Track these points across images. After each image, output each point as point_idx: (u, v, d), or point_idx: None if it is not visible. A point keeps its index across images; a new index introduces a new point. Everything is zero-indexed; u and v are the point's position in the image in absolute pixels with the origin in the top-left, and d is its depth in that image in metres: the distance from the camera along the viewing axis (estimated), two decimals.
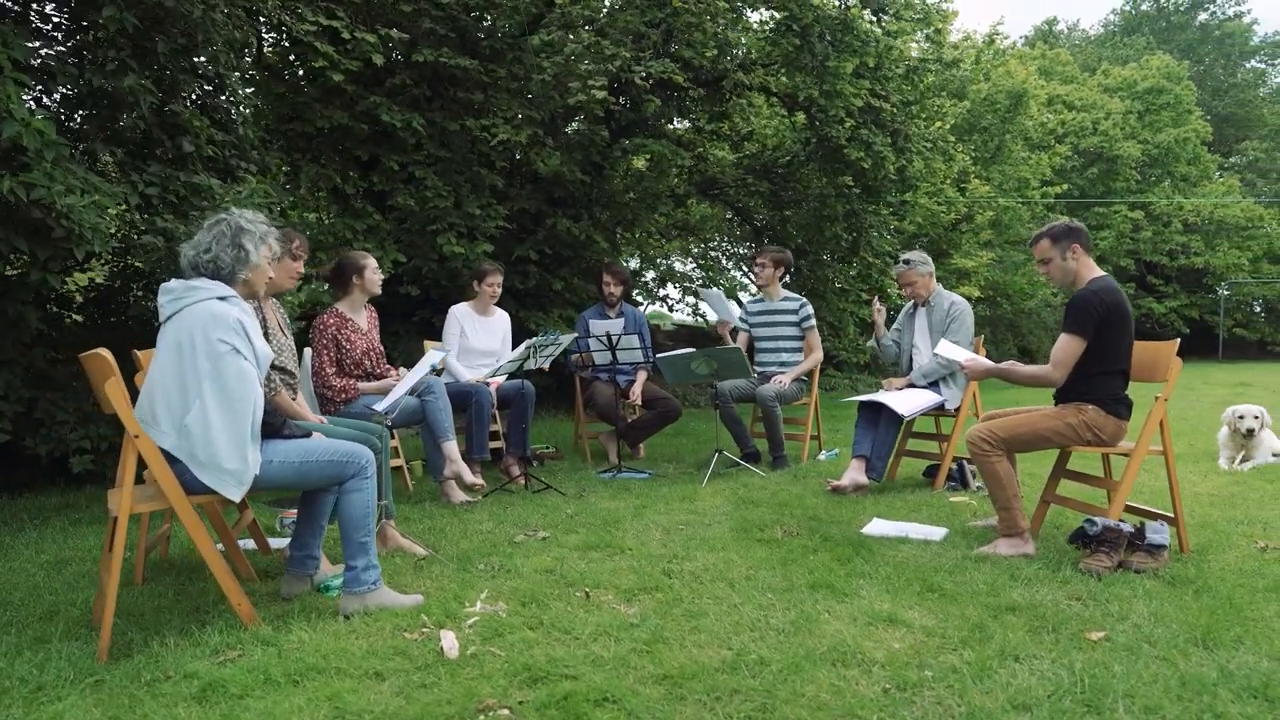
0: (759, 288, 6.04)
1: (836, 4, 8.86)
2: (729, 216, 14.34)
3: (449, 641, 2.42)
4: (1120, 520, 3.24)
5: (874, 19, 8.73)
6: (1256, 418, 5.50)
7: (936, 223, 12.78)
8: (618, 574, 3.14)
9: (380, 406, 3.51)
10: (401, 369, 4.65)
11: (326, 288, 6.54)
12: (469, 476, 4.41)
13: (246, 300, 2.67)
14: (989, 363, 3.62)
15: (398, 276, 7.05)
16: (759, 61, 8.83)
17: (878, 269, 10.81)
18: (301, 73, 7.48)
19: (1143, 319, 23.99)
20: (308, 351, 4.56)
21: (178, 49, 4.86)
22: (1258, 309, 28.13)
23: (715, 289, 5.69)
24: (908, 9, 8.52)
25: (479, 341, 5.62)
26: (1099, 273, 3.47)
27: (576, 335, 5.64)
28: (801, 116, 10.77)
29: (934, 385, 4.95)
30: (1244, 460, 5.50)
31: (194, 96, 5.29)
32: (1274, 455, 5.68)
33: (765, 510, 4.23)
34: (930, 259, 5.17)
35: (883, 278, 10.71)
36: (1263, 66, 37.86)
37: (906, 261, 5.14)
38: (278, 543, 3.62)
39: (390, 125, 6.71)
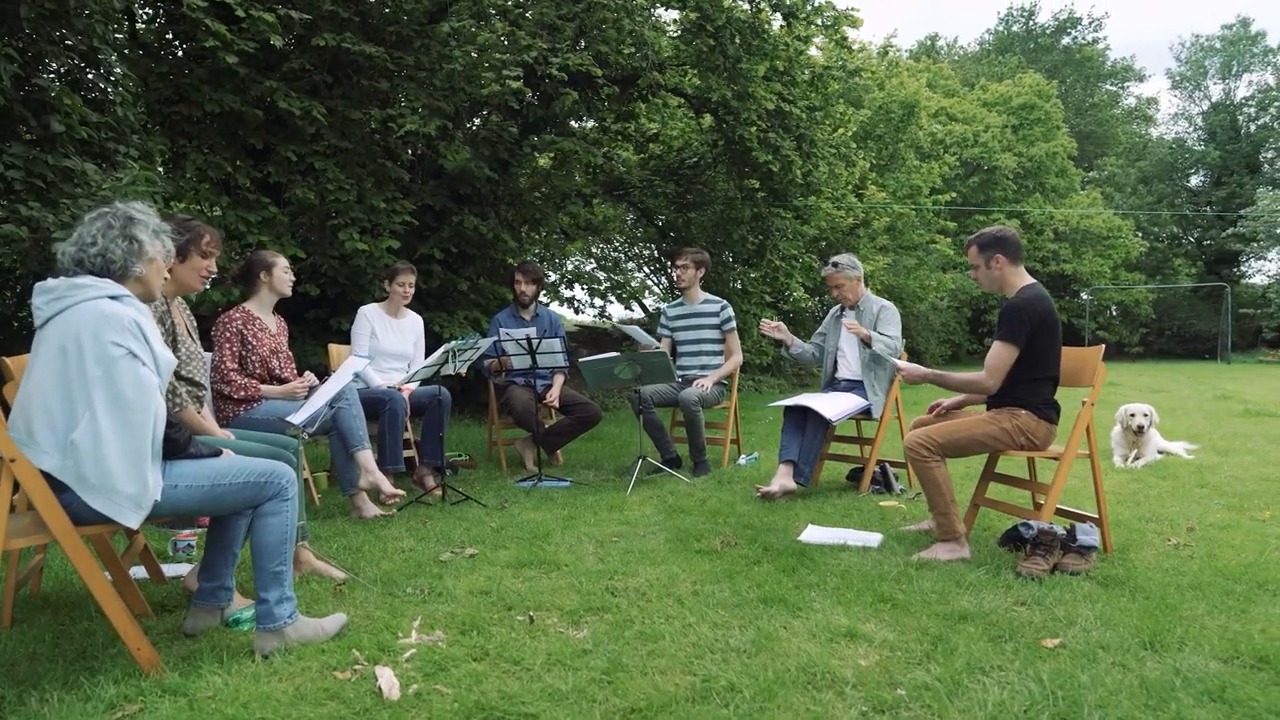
0: (680, 290, 5.95)
1: (746, 8, 8.90)
2: (632, 218, 14.27)
3: (387, 680, 2.19)
4: (1050, 523, 3.31)
5: (784, 24, 8.80)
6: (1145, 415, 5.79)
7: (836, 227, 13.08)
8: (559, 594, 2.96)
9: (297, 419, 3.19)
10: (309, 374, 4.32)
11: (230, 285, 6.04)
12: (388, 488, 4.12)
13: (143, 301, 2.35)
14: (923, 369, 3.63)
15: (296, 273, 6.59)
16: (671, 62, 8.76)
17: (784, 272, 10.94)
18: (183, 52, 6.92)
19: None
20: (204, 356, 4.17)
21: (44, 14, 4.35)
22: (1114, 312, 30.27)
23: (635, 325, 5.60)
24: (817, 14, 8.64)
25: (390, 344, 5.30)
26: (1029, 281, 3.53)
27: (494, 339, 5.40)
28: (709, 119, 10.79)
29: (859, 389, 4.97)
30: (1136, 458, 5.79)
31: (63, 71, 4.76)
32: (1159, 452, 6.01)
33: (697, 519, 4.13)
34: (859, 264, 5.19)
35: (788, 280, 10.86)
36: (1115, 89, 40.83)
37: (835, 264, 5.15)
38: (173, 569, 3.26)
39: (288, 113, 6.26)
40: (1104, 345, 3.76)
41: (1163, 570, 3.19)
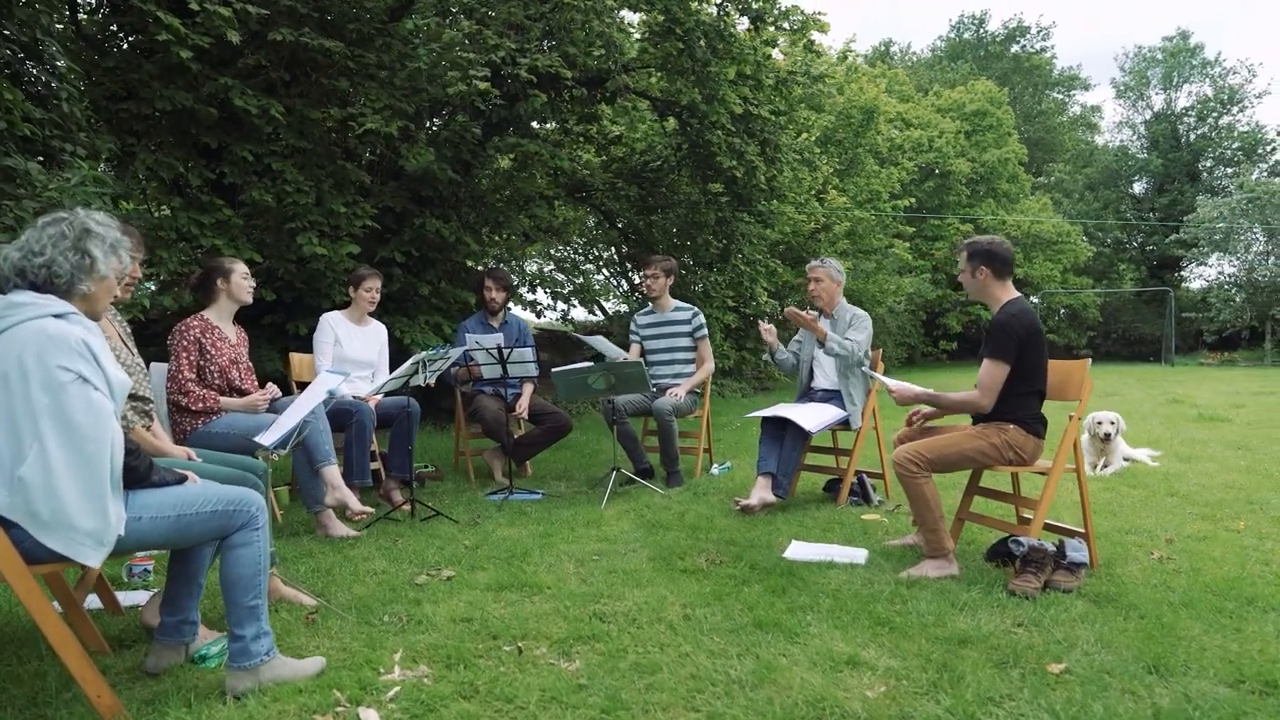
0: (650, 299, 5.84)
1: (712, 11, 8.83)
2: (592, 221, 14.13)
3: None
4: (1038, 539, 3.28)
5: (751, 27, 8.75)
6: (1113, 423, 5.85)
7: (798, 231, 13.10)
8: (544, 620, 2.84)
9: (267, 440, 3.01)
10: (271, 386, 4.12)
11: (154, 290, 5.75)
12: (356, 506, 3.95)
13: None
14: (916, 389, 3.58)
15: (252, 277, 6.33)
16: (636, 64, 8.65)
17: (749, 276, 10.90)
18: (129, 45, 6.61)
19: (969, 325, 25.85)
20: (156, 367, 3.95)
21: None
22: (1061, 315, 31.01)
23: (598, 336, 5.46)
24: (784, 17, 8.61)
25: (355, 352, 5.11)
26: (1013, 295, 3.51)
27: (465, 348, 5.23)
28: (673, 122, 10.71)
29: (837, 400, 4.92)
30: (1104, 466, 5.84)
31: (1, 63, 4.47)
32: (1125, 459, 6.08)
33: (678, 535, 4.03)
34: (843, 271, 5.15)
35: (753, 285, 10.82)
36: (1061, 97, 41.83)
37: (822, 261, 5.11)
38: (129, 597, 3.06)
39: (244, 111, 6.01)
40: (1089, 359, 3.74)
41: (1151, 586, 3.18)
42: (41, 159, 4.38)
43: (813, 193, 12.38)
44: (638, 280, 14.03)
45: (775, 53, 9.40)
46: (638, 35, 8.45)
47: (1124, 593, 3.09)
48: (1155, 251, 33.26)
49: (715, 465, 6.02)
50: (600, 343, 5.37)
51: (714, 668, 2.42)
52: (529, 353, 5.19)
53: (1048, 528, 3.58)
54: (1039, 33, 41.07)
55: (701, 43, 8.20)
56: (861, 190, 15.22)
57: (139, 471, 2.13)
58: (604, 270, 16.39)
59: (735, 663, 2.46)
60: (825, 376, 5.02)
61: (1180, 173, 34.16)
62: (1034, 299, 28.12)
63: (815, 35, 8.98)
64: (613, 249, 14.75)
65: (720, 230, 10.79)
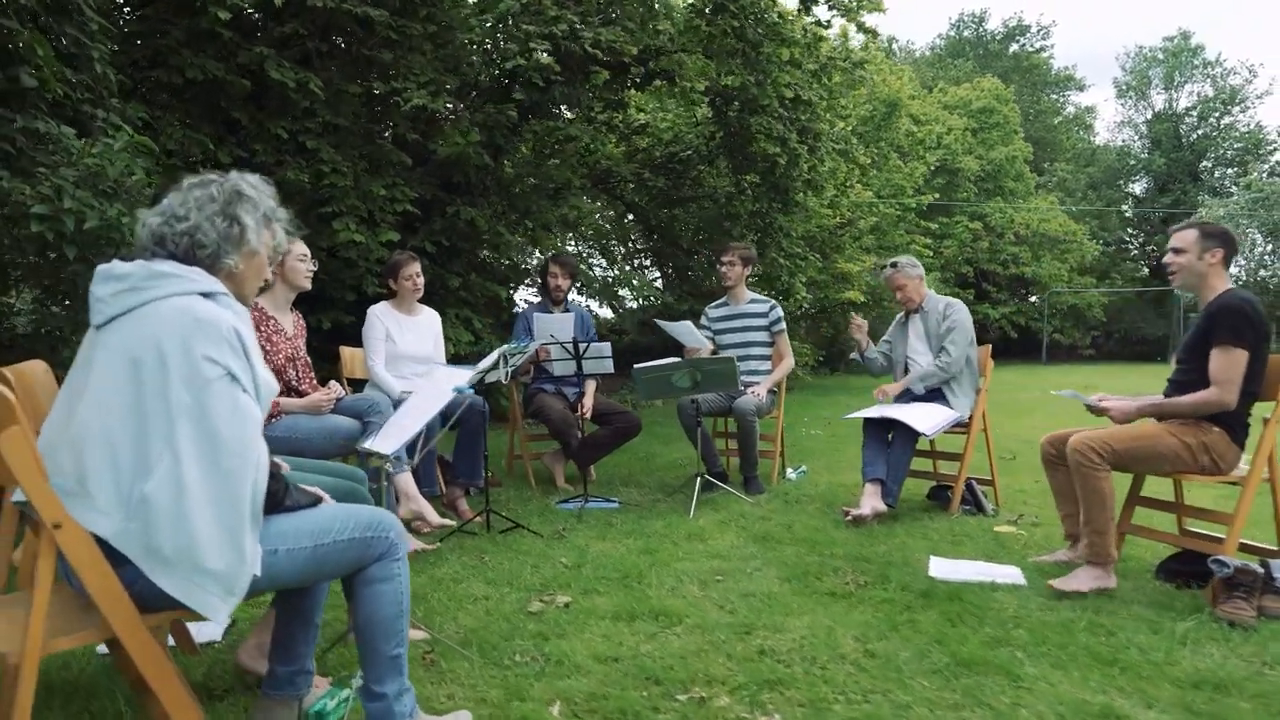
0: (725, 289, 5.41)
1: None
2: (613, 213, 13.68)
3: None
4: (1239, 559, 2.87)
5: (801, 6, 8.31)
6: None
7: (824, 226, 12.72)
8: (704, 659, 2.40)
9: (387, 448, 2.52)
10: (334, 384, 3.65)
11: None
12: (434, 518, 3.50)
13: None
14: (1133, 401, 3.16)
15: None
16: (684, 45, 8.20)
17: (788, 270, 10.47)
18: (157, 9, 6.09)
19: (980, 324, 25.58)
20: None
21: None
22: (1065, 315, 30.84)
23: (683, 321, 4.99)
24: None
25: (408, 346, 4.62)
26: (1231, 285, 3.10)
27: (540, 341, 4.78)
28: (704, 109, 10.27)
29: (939, 396, 4.51)
30: None
31: (31, 10, 3.97)
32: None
33: (798, 550, 3.60)
34: (918, 262, 4.73)
35: (791, 279, 10.40)
36: (1057, 97, 41.73)
37: (894, 264, 4.70)
38: (204, 632, 2.58)
39: (280, 84, 5.52)
40: None
41: None
42: (74, 127, 3.88)
43: (849, 183, 11.96)
44: (669, 273, 13.60)
45: (828, 32, 8.95)
46: (680, 14, 7.98)
47: None
48: (1157, 252, 33.16)
49: (790, 469, 5.59)
50: (685, 331, 4.93)
51: None
52: (606, 348, 4.75)
53: (1243, 547, 3.17)
54: (1039, 32, 40.99)
55: (750, 21, 7.75)
56: (885, 185, 14.85)
57: (275, 495, 1.68)
58: (616, 264, 15.94)
59: (973, 716, 2.03)
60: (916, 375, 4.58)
61: (1182, 173, 34.09)
62: (1034, 299, 27.98)
63: (866, 16, 8.57)
64: (632, 241, 14.31)
65: (753, 223, 10.36)
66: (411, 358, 4.61)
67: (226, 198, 1.69)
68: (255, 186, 1.76)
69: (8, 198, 3.26)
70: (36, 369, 2.14)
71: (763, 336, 5.28)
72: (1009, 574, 3.21)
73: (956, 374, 4.45)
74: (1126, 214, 34.25)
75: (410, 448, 2.69)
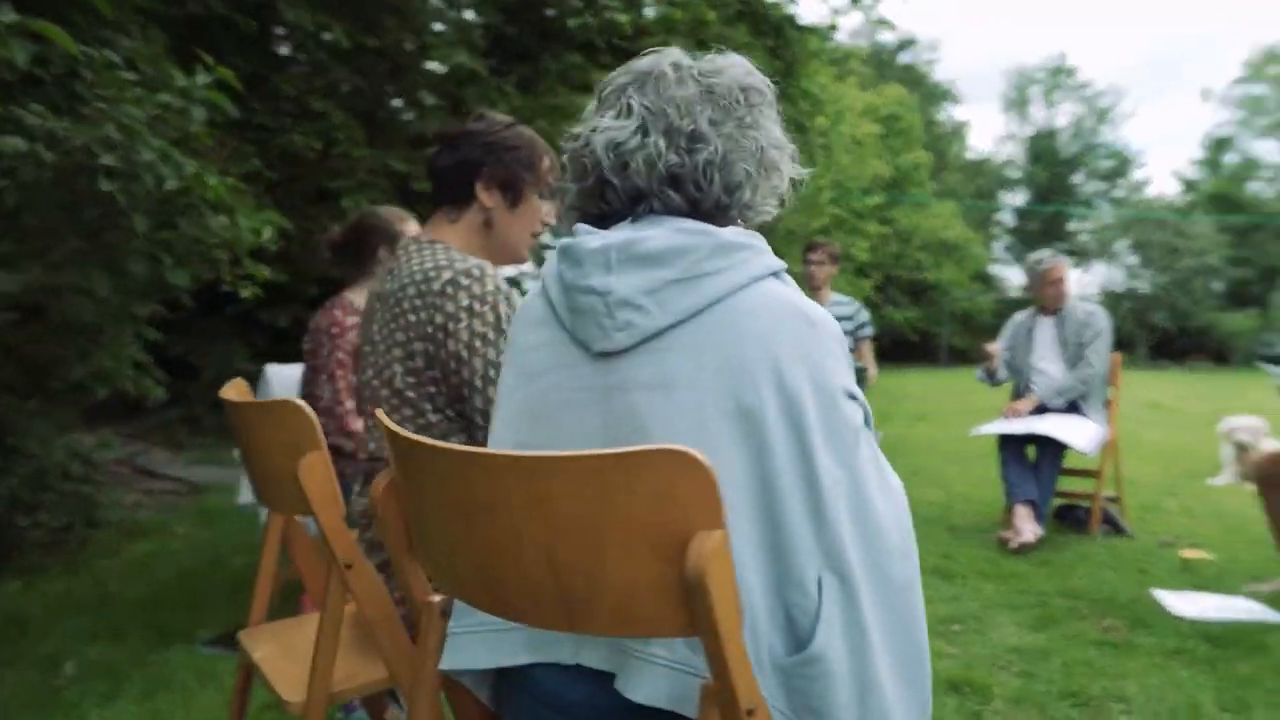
0: (811, 290, 4.93)
1: None
2: None
3: None
4: None
5: None
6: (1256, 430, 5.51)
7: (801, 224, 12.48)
8: None
9: None
10: None
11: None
12: None
13: None
14: None
15: (274, 255, 4.72)
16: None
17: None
18: None
19: (886, 328, 26.27)
20: (276, 372, 2.76)
21: None
22: (959, 319, 32.26)
23: None
24: None
25: None
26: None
27: None
28: None
29: (1074, 408, 4.20)
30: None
31: None
32: None
33: (1006, 587, 3.20)
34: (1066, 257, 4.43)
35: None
36: (934, 110, 43.65)
37: (1055, 254, 4.37)
38: None
39: (295, 27, 4.65)
40: None
41: None
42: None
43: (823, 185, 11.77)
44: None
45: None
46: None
47: None
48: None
49: None
50: None
51: None
52: None
53: None
54: (928, 45, 42.74)
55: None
56: (830, 184, 14.83)
57: None
58: None
59: None
60: (1053, 390, 4.24)
61: (1060, 185, 36.33)
62: (930, 306, 29.09)
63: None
64: None
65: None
66: None
67: (737, 96, 0.99)
68: (749, 70, 1.03)
69: (33, 134, 2.36)
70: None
71: (848, 343, 4.85)
72: (1256, 610, 2.92)
73: (1088, 387, 4.16)
74: (1008, 224, 36.23)
75: None
